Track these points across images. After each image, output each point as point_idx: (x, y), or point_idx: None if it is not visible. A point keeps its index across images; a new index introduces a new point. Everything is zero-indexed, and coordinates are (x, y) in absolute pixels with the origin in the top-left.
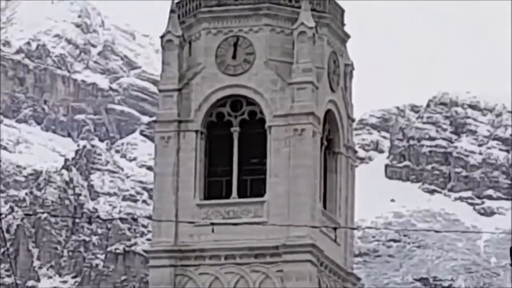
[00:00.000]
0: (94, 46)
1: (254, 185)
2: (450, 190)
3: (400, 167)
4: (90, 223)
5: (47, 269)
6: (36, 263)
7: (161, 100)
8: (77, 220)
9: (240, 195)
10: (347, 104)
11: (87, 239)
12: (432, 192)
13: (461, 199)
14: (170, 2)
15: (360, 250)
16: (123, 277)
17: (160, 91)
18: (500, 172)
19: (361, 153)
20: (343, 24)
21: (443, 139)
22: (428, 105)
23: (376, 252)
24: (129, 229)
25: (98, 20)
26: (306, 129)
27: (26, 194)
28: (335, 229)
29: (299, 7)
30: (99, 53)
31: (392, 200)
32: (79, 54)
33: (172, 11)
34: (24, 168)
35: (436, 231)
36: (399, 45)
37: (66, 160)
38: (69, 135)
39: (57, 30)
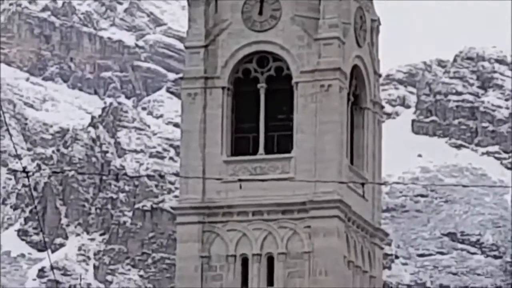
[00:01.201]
0: (120, 3)
1: (281, 141)
2: (477, 144)
3: (427, 122)
4: (117, 180)
5: (75, 227)
6: (64, 221)
7: (187, 57)
8: (104, 178)
9: (267, 151)
10: (373, 60)
11: (115, 196)
12: (459, 147)
13: (488, 153)
14: None
15: (387, 205)
16: (150, 234)
17: (186, 47)
18: None
19: (388, 108)
20: None
21: (470, 93)
22: (454, 60)
23: (404, 207)
24: (156, 186)
25: None
26: (332, 85)
27: (53, 151)
28: (362, 184)
29: None
30: (125, 10)
31: (419, 155)
32: (105, 11)
33: None
34: (51, 126)
35: (464, 186)
36: (425, 0)
37: (92, 117)
38: (95, 93)
39: None
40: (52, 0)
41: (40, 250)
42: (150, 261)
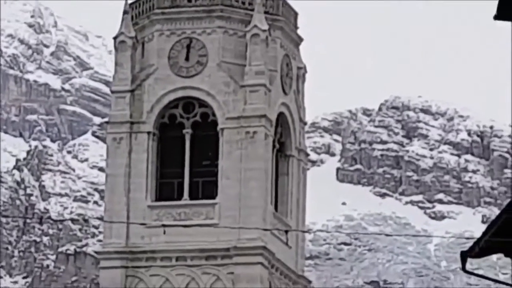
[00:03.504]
0: (46, 46)
1: (205, 187)
2: (401, 193)
3: (351, 170)
4: (41, 223)
5: None
6: None
7: (113, 101)
8: (28, 221)
9: (191, 197)
10: (299, 107)
11: (38, 239)
12: (383, 195)
13: (412, 202)
14: (123, 3)
15: (311, 253)
16: (74, 278)
17: (112, 92)
18: (451, 176)
19: (313, 156)
20: (296, 27)
21: (395, 142)
22: (380, 109)
23: (327, 255)
24: (80, 230)
25: (51, 20)
26: (258, 132)
27: None
28: (286, 231)
29: (253, 10)
30: (51, 54)
31: (343, 203)
32: (32, 54)
33: (125, 12)
34: None
35: (387, 235)
36: (352, 49)
37: (17, 160)
38: (20, 135)
39: (10, 30)
40: None
41: None
42: None
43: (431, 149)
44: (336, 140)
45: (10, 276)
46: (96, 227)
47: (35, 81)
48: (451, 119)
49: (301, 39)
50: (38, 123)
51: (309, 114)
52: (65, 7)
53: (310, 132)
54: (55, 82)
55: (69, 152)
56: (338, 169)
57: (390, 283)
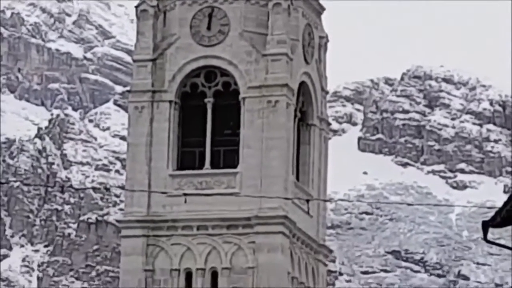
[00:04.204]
0: (68, 15)
1: (227, 156)
2: (423, 163)
3: (373, 139)
4: (62, 192)
5: (19, 238)
6: (8, 232)
7: (135, 70)
8: (49, 189)
9: (213, 166)
10: (321, 76)
11: (60, 208)
12: (404, 165)
13: (433, 172)
14: None
15: (332, 222)
16: (95, 247)
17: (134, 61)
18: (472, 146)
19: (335, 125)
20: None
21: (417, 112)
22: (402, 78)
23: (349, 225)
24: (101, 198)
25: None
26: (279, 101)
27: None
28: (307, 201)
29: None
30: (73, 22)
31: (365, 173)
32: (54, 23)
33: None
34: None
35: (409, 204)
36: (374, 18)
37: (39, 129)
38: (42, 104)
39: None
40: (0, 11)
41: None
42: (94, 273)
43: (452, 119)
44: (357, 110)
45: (32, 244)
46: (118, 196)
47: (57, 50)
48: (473, 88)
49: (323, 9)
50: (60, 91)
51: (330, 83)
52: None
53: (332, 102)
54: (77, 51)
55: (90, 120)
56: (359, 139)
57: (411, 252)
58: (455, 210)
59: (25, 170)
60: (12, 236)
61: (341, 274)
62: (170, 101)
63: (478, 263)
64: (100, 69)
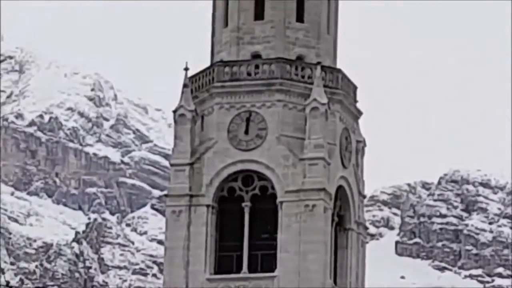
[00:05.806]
0: (106, 119)
1: (264, 260)
2: (461, 267)
3: (410, 244)
4: None
5: None
6: None
7: (172, 174)
8: None
9: (250, 270)
10: (358, 181)
11: None
12: (442, 269)
13: (471, 276)
14: (183, 76)
15: None
16: None
17: (172, 165)
18: (510, 250)
19: (372, 229)
20: (355, 101)
21: (454, 216)
22: (439, 182)
23: None
24: None
25: (110, 94)
26: (317, 205)
27: (36, 266)
28: None
29: (312, 83)
30: (111, 127)
31: (402, 277)
32: (91, 127)
33: (185, 85)
34: (35, 241)
35: None
36: (411, 122)
37: (76, 233)
38: (80, 208)
39: (70, 103)
40: (38, 115)
41: None
42: None
43: (490, 223)
44: (395, 214)
45: None
46: None
47: (94, 154)
48: (510, 192)
49: (360, 113)
50: (97, 195)
51: (368, 187)
52: (125, 81)
53: (369, 206)
54: (115, 155)
55: (128, 225)
56: (397, 243)
57: None
58: None
59: (62, 274)
60: None
61: None
62: (208, 205)
63: None
64: (137, 173)
